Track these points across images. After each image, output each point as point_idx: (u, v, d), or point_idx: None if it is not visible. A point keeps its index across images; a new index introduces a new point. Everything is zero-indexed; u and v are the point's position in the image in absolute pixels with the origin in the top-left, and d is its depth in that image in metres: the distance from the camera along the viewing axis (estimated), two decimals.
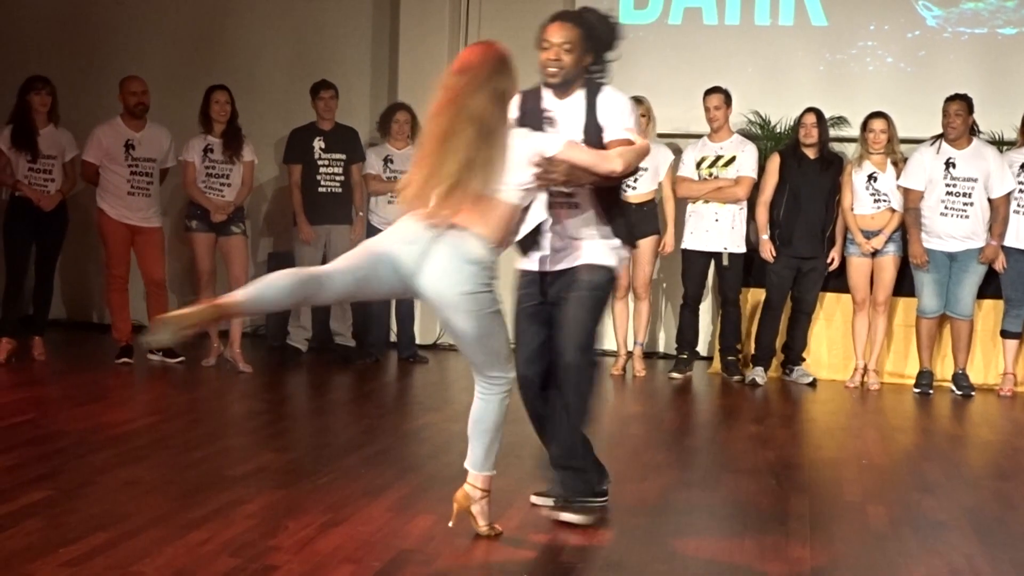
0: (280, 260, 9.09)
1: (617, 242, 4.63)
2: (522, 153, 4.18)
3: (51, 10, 10.03)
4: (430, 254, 4.07)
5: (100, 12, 10.03)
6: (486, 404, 4.32)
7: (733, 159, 8.35)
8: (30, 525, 4.34)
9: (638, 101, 8.48)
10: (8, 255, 8.16)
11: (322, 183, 8.57)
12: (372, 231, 8.34)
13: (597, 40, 4.58)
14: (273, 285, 3.96)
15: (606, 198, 4.58)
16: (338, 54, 9.71)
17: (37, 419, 6.40)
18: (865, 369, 8.31)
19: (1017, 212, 7.99)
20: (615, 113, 4.55)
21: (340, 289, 4.12)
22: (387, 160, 8.55)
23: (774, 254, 8.26)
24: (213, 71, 9.09)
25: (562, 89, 4.57)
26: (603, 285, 4.59)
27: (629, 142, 4.45)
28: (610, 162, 4.35)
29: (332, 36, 9.77)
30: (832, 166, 8.25)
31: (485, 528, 4.39)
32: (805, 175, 8.21)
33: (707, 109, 8.37)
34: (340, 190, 8.62)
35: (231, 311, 3.95)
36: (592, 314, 4.57)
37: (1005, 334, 8.14)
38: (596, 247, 4.59)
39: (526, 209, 4.34)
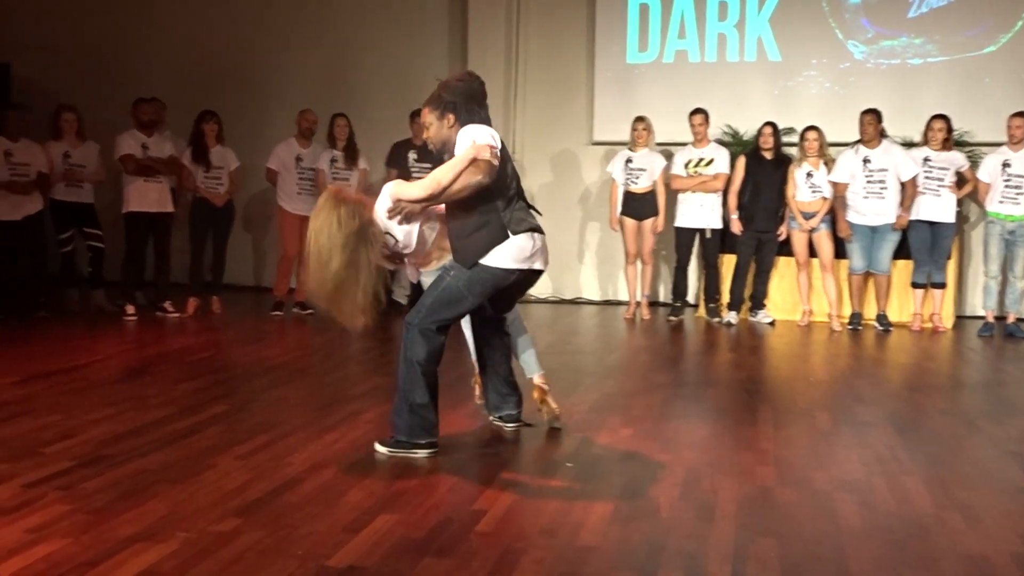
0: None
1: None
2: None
3: (221, 46, 10.05)
4: None
5: (266, 58, 10.03)
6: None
7: (712, 161, 8.30)
8: (212, 430, 4.39)
9: (640, 119, 8.43)
10: (192, 239, 8.23)
11: None
12: None
13: (451, 103, 3.98)
14: None
15: (457, 212, 3.97)
16: (426, 88, 9.63)
17: (215, 355, 6.46)
18: (811, 311, 8.24)
19: (923, 194, 7.86)
20: (458, 146, 3.90)
21: None
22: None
23: (741, 229, 8.18)
24: (337, 102, 9.07)
25: (444, 151, 4.02)
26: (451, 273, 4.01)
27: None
28: (413, 191, 3.89)
29: (421, 74, 9.69)
30: (783, 164, 8.18)
31: (557, 407, 4.55)
32: (764, 171, 8.15)
33: (692, 125, 8.32)
34: None
35: None
36: (431, 292, 4.02)
37: (915, 285, 8.06)
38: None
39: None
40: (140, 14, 10.24)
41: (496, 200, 3.94)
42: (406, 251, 4.09)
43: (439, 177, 3.84)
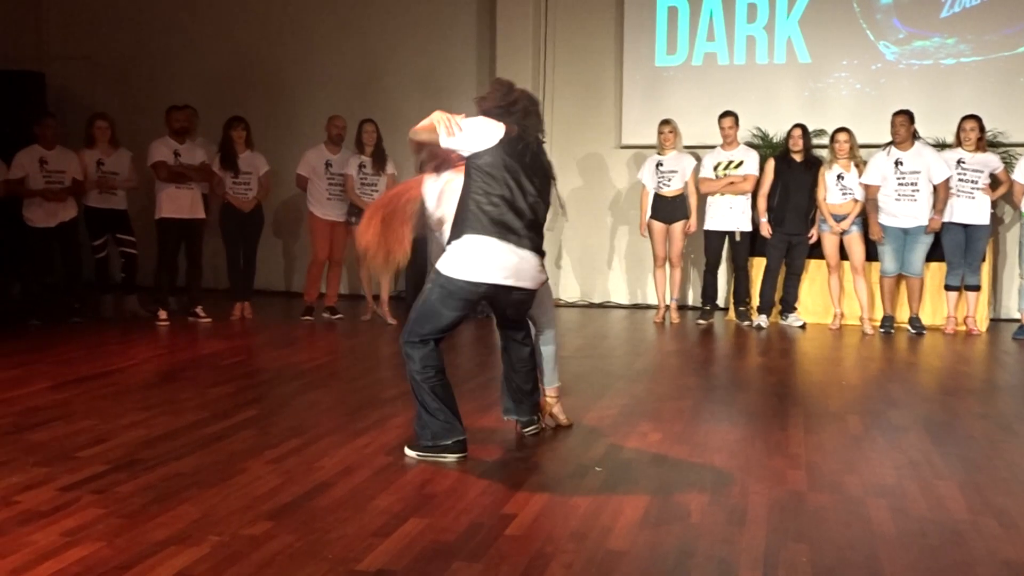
0: (414, 245, 9.13)
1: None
2: None
3: (250, 54, 10.15)
4: None
5: (295, 65, 10.11)
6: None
7: (741, 163, 8.25)
8: (244, 434, 4.42)
9: (666, 122, 8.41)
10: (226, 243, 8.30)
11: None
12: None
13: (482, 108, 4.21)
14: None
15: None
16: (455, 95, 9.68)
17: (246, 360, 6.52)
18: (842, 314, 8.16)
19: (957, 196, 7.77)
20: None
21: None
22: None
23: (770, 232, 8.13)
24: (365, 108, 9.12)
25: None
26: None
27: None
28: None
29: (449, 79, 9.75)
30: (814, 166, 8.10)
31: (565, 420, 4.61)
32: (793, 173, 8.08)
33: (722, 128, 8.28)
34: None
35: None
36: (414, 307, 4.13)
37: (948, 287, 7.95)
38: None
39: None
40: (171, 24, 10.35)
41: (477, 205, 3.97)
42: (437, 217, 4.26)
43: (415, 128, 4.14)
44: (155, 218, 8.03)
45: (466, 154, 4.06)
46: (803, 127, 8.11)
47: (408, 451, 4.10)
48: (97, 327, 7.74)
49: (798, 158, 8.11)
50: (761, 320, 8.19)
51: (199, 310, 8.09)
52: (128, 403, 5.01)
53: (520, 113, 4.11)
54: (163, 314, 7.94)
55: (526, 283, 4.09)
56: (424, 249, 8.64)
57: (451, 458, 4.01)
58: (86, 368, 5.96)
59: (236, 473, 3.80)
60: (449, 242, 4.06)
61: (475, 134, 4.02)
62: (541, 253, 4.14)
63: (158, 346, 6.96)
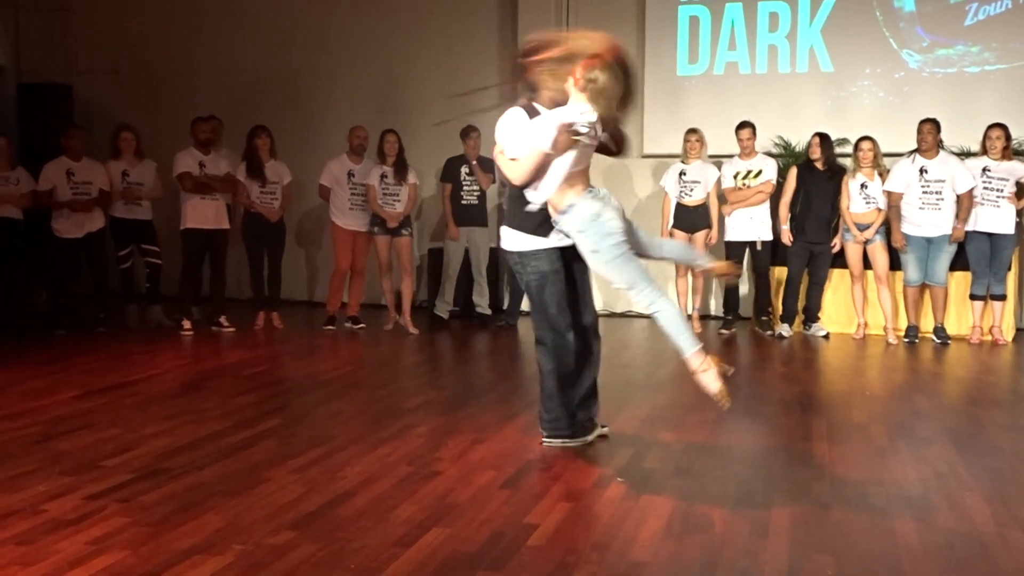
0: (435, 254, 9.17)
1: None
2: None
3: (272, 65, 10.22)
4: None
5: (316, 76, 10.18)
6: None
7: (760, 172, 8.25)
8: (267, 443, 4.44)
9: (692, 131, 8.41)
10: (249, 253, 8.35)
11: (464, 198, 8.60)
12: None
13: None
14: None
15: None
16: (478, 105, 9.69)
17: (269, 369, 6.55)
18: (866, 324, 8.12)
19: (982, 204, 7.72)
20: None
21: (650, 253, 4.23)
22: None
23: (791, 240, 8.11)
24: (387, 117, 9.17)
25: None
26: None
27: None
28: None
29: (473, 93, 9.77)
30: (836, 174, 8.07)
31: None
32: (815, 182, 8.06)
33: (740, 139, 8.28)
34: (477, 202, 8.63)
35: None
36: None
37: (973, 297, 7.89)
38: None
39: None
40: (194, 36, 10.46)
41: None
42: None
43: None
44: (180, 229, 8.10)
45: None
46: (822, 135, 8.09)
47: (545, 440, 4.41)
48: (122, 336, 7.81)
49: (820, 166, 8.08)
50: (783, 329, 8.16)
51: (223, 320, 8.14)
52: (153, 412, 5.04)
53: None
54: (187, 324, 8.00)
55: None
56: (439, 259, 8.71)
57: (573, 442, 4.40)
58: (111, 377, 6.01)
59: (259, 482, 3.82)
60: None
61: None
62: None
63: (182, 355, 7.01)
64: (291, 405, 5.39)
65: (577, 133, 3.89)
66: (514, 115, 4.21)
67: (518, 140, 4.07)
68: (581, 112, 3.91)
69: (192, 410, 5.12)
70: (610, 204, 4.02)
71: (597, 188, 4.10)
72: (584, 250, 4.03)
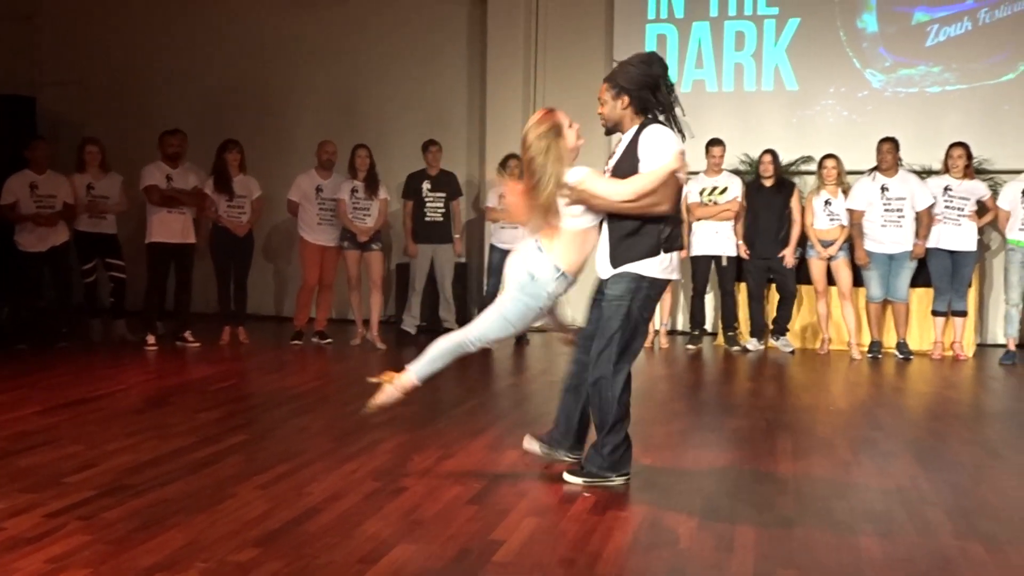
0: (403, 269, 9.15)
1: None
2: None
3: (241, 78, 10.18)
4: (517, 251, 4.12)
5: (284, 90, 10.14)
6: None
7: (726, 188, 8.32)
8: (232, 459, 4.41)
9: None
10: (216, 269, 8.28)
11: (427, 214, 8.59)
12: (493, 250, 8.41)
13: (625, 85, 4.06)
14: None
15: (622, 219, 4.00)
16: (443, 119, 9.74)
17: (235, 384, 6.50)
18: (830, 339, 8.23)
19: (943, 223, 7.84)
20: (645, 149, 3.98)
21: None
22: (500, 196, 8.34)
23: (748, 255, 8.22)
24: (356, 132, 9.17)
25: (616, 131, 4.19)
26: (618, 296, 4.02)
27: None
28: (620, 190, 3.92)
29: (438, 106, 9.81)
30: (783, 189, 8.20)
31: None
32: (762, 197, 8.21)
33: (712, 156, 8.33)
34: (441, 219, 8.63)
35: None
36: (611, 323, 4.01)
37: (935, 313, 8.01)
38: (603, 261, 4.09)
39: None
40: (161, 49, 10.39)
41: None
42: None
43: (638, 187, 3.89)
44: (146, 242, 8.02)
45: None
46: (772, 152, 8.25)
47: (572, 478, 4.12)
48: (85, 351, 7.71)
49: (768, 183, 8.22)
50: (751, 343, 8.22)
51: (188, 335, 8.07)
52: (116, 428, 4.98)
53: (657, 85, 4.18)
54: (151, 339, 7.92)
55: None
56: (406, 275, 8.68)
57: (617, 481, 4.11)
58: (74, 393, 5.93)
59: (224, 499, 3.78)
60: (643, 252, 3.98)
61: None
62: None
63: (147, 371, 6.93)
64: (257, 421, 5.34)
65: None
66: (665, 134, 4.04)
67: (655, 156, 3.95)
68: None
69: (156, 426, 5.06)
70: (563, 285, 4.04)
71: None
72: (509, 282, 4.05)
